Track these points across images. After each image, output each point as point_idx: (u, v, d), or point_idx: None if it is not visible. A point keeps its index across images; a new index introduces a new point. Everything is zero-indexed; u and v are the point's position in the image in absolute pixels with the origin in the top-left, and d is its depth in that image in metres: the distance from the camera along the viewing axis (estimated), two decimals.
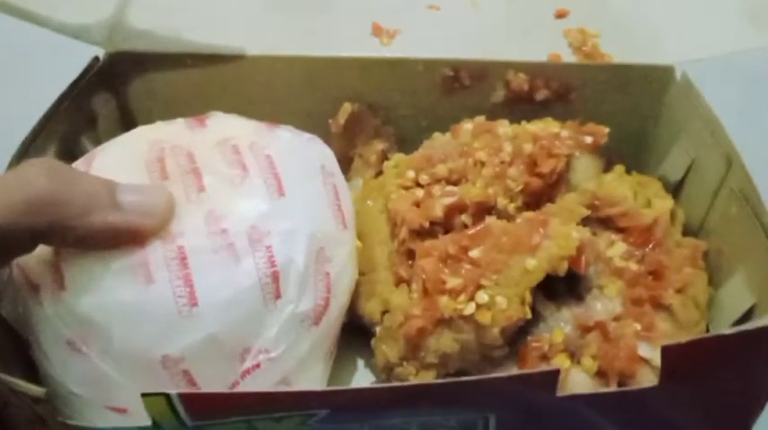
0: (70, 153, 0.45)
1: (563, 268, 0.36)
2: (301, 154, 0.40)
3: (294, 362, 0.35)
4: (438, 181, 0.42)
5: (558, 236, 0.36)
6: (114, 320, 0.33)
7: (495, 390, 0.30)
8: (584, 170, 0.44)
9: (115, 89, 0.50)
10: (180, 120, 0.41)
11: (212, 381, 0.34)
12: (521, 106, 0.49)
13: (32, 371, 0.36)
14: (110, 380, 0.34)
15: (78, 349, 0.34)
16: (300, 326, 0.35)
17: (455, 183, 0.42)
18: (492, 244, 0.37)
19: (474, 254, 0.37)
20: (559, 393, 0.29)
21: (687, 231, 0.42)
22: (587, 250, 0.37)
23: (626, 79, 0.48)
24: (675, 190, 0.45)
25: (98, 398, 0.34)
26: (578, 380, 0.35)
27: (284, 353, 0.35)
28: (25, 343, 0.36)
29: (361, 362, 0.42)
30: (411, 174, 0.42)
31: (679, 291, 0.37)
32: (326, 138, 0.47)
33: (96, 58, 0.48)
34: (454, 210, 0.40)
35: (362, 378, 0.42)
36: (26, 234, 0.31)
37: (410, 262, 0.39)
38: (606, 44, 0.49)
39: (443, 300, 0.35)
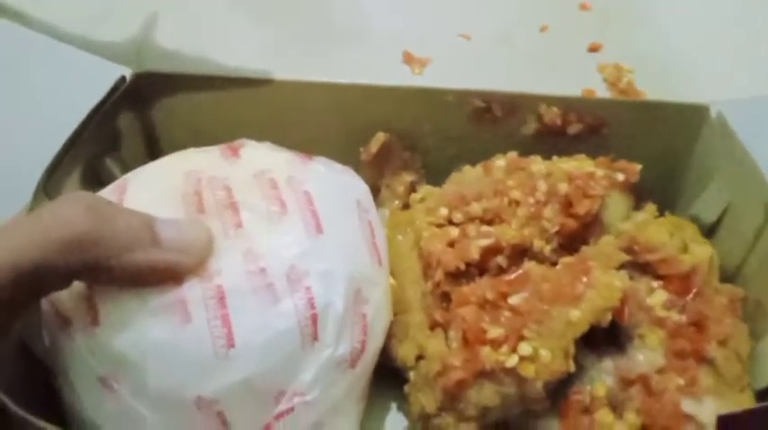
0: (96, 175, 0.45)
1: (607, 319, 0.36)
2: (337, 189, 0.39)
3: (328, 405, 0.35)
4: (472, 220, 0.41)
5: (601, 285, 0.36)
6: (149, 359, 0.33)
7: None
8: (616, 208, 0.44)
9: (140, 110, 0.49)
10: (214, 149, 0.40)
11: (245, 423, 0.34)
12: (552, 139, 0.48)
13: (52, 403, 0.35)
14: (142, 419, 0.33)
15: (110, 386, 0.33)
16: (337, 370, 0.35)
17: (489, 223, 0.41)
18: (532, 291, 0.36)
19: (514, 301, 0.36)
20: None
21: (722, 275, 0.41)
22: (630, 300, 0.36)
23: (659, 117, 0.47)
24: (709, 231, 0.44)
25: None
26: None
27: (319, 396, 0.34)
28: (47, 374, 0.35)
29: (393, 405, 0.41)
30: (444, 211, 0.41)
31: (721, 344, 0.36)
32: (355, 166, 0.46)
33: (123, 78, 0.47)
34: (490, 252, 0.39)
35: (395, 421, 0.41)
36: (62, 273, 0.30)
37: (445, 304, 0.38)
38: (640, 80, 0.48)
39: (485, 350, 0.35)
